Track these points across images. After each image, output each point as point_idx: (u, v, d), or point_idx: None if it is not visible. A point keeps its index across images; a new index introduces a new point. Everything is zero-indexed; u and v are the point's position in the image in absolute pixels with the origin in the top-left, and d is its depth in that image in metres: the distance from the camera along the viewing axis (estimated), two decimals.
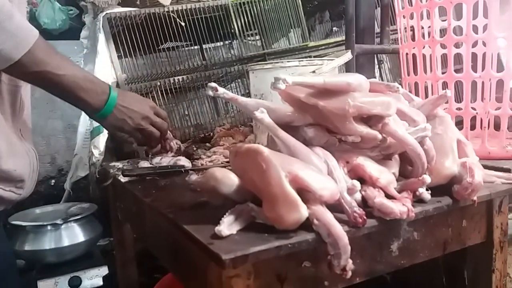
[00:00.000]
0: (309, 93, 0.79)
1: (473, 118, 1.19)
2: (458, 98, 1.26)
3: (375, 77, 1.91)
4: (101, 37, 1.83)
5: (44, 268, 1.89)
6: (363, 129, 0.77)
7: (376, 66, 2.22)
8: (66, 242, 1.88)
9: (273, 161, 0.69)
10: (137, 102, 1.04)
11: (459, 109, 1.21)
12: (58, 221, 1.87)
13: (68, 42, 2.33)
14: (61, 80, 0.92)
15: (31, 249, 1.84)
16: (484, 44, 1.18)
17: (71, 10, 2.43)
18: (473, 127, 1.20)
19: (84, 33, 2.01)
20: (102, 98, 0.98)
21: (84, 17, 2.05)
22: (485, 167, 0.97)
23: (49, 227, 1.87)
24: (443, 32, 1.24)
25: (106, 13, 1.82)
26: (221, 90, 0.78)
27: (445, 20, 1.20)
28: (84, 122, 1.98)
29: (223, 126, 1.65)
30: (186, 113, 2.19)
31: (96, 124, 1.79)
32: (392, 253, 0.81)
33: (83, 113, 1.97)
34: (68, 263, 1.89)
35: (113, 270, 1.76)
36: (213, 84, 0.78)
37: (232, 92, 2.30)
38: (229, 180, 0.74)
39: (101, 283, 1.87)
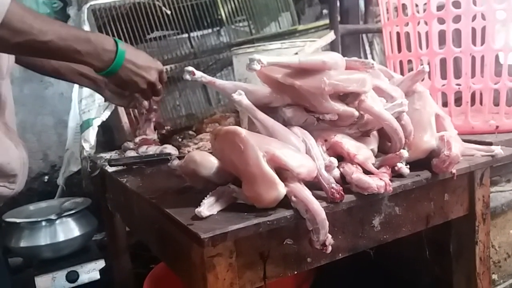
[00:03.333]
0: (286, 73, 0.79)
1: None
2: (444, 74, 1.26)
3: (361, 58, 1.90)
4: (86, 29, 1.82)
5: (41, 264, 1.89)
6: (340, 106, 0.77)
7: (368, 47, 2.21)
8: (61, 237, 1.87)
9: (250, 142, 0.70)
10: (146, 63, 0.98)
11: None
12: (52, 217, 1.87)
13: None
14: (49, 48, 0.83)
15: (27, 245, 1.84)
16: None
17: (55, 3, 2.40)
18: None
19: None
20: (107, 56, 0.90)
21: (68, 10, 2.03)
22: (469, 141, 0.99)
23: (43, 223, 1.86)
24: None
25: (91, 5, 1.80)
26: (198, 73, 0.79)
27: None
28: (74, 116, 1.98)
29: (215, 116, 1.65)
30: (178, 103, 2.19)
31: (85, 117, 1.79)
32: (374, 228, 0.82)
33: (72, 107, 1.98)
34: (64, 258, 1.88)
35: (110, 263, 1.77)
36: (190, 68, 0.79)
37: (223, 79, 2.30)
38: (209, 162, 0.75)
39: (98, 276, 1.88)
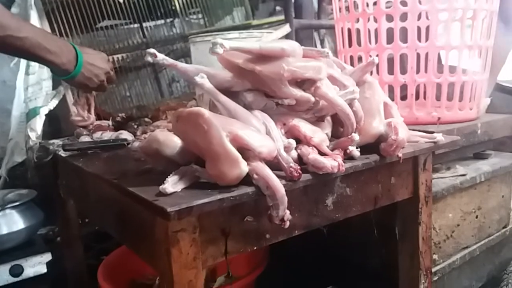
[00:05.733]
0: (246, 59, 0.82)
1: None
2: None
3: None
4: (33, 14, 1.76)
5: None
6: (297, 92, 0.81)
7: (319, 44, 2.29)
8: (4, 230, 1.79)
9: (214, 122, 0.72)
10: (99, 59, 1.09)
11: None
12: None
13: None
14: (23, 43, 0.89)
15: None
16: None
17: None
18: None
19: (14, 10, 1.91)
20: (70, 58, 0.98)
21: None
22: (414, 130, 1.06)
23: None
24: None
25: None
26: (160, 56, 0.80)
27: None
28: (19, 105, 1.90)
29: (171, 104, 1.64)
30: (128, 94, 2.16)
31: (32, 106, 1.73)
32: (327, 207, 0.87)
33: (17, 95, 1.90)
34: (8, 251, 1.80)
35: (57, 257, 1.72)
36: (152, 50, 0.79)
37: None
38: (172, 142, 0.77)
39: (44, 270, 1.82)
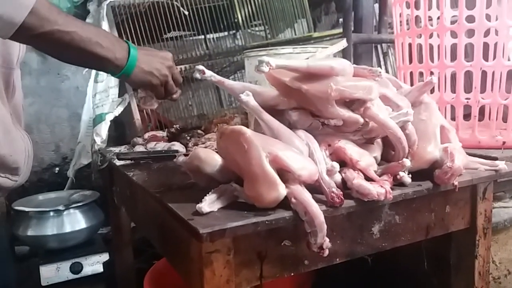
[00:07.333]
0: (293, 77, 0.80)
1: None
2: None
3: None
4: (105, 25, 1.85)
5: (47, 253, 1.92)
6: (345, 112, 0.78)
7: (382, 58, 2.22)
8: (68, 228, 1.90)
9: (254, 142, 0.71)
10: (158, 55, 1.00)
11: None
12: (60, 208, 1.90)
13: None
14: (72, 38, 0.84)
15: (34, 234, 1.88)
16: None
17: None
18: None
19: (88, 21, 2.03)
20: (123, 54, 0.91)
21: (88, 5, 2.07)
22: (474, 155, 0.99)
23: (51, 213, 1.90)
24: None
25: (110, 1, 1.83)
26: (208, 73, 0.81)
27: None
28: (88, 110, 2.01)
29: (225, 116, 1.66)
30: (190, 103, 2.22)
31: (98, 112, 1.82)
32: (373, 235, 0.82)
33: (87, 101, 2.01)
34: (70, 249, 1.91)
35: (113, 257, 1.79)
36: (201, 67, 0.80)
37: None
38: (212, 160, 0.77)
39: (101, 269, 1.91)
